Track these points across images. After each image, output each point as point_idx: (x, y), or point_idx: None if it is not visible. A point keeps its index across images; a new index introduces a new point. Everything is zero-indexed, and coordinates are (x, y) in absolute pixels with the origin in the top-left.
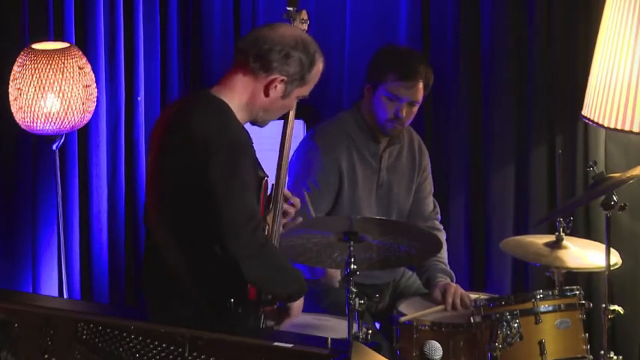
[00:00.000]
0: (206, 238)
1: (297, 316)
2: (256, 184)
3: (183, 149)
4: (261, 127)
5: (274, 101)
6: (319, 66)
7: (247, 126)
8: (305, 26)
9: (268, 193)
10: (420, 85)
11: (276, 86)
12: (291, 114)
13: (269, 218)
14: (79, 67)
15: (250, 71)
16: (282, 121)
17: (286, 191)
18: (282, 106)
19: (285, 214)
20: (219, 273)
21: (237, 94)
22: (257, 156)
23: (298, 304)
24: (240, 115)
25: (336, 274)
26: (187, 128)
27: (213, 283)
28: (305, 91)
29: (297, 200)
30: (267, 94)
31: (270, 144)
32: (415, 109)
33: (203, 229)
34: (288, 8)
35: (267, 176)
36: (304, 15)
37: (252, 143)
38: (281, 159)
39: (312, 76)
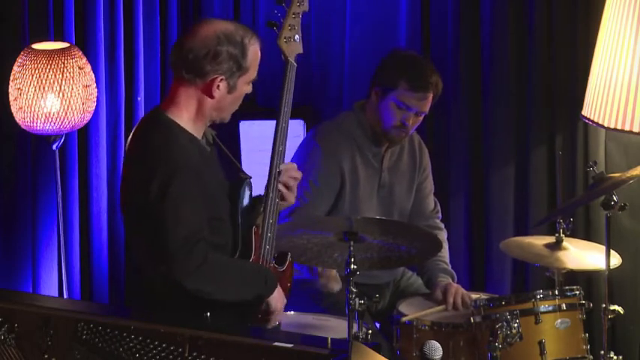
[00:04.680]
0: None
1: (280, 307)
2: (212, 194)
3: (133, 168)
4: (224, 123)
5: (222, 99)
6: (254, 48)
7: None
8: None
9: (255, 194)
10: (431, 96)
11: (218, 86)
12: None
13: (259, 220)
14: (79, 67)
15: (187, 82)
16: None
17: (283, 166)
18: (233, 99)
19: (282, 198)
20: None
21: (183, 109)
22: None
23: (276, 298)
24: (192, 127)
25: (335, 278)
26: (137, 148)
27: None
28: (251, 75)
29: (297, 174)
30: (212, 97)
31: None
32: (421, 118)
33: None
34: None
35: (250, 177)
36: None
37: (200, 159)
38: (273, 159)
39: (251, 60)
